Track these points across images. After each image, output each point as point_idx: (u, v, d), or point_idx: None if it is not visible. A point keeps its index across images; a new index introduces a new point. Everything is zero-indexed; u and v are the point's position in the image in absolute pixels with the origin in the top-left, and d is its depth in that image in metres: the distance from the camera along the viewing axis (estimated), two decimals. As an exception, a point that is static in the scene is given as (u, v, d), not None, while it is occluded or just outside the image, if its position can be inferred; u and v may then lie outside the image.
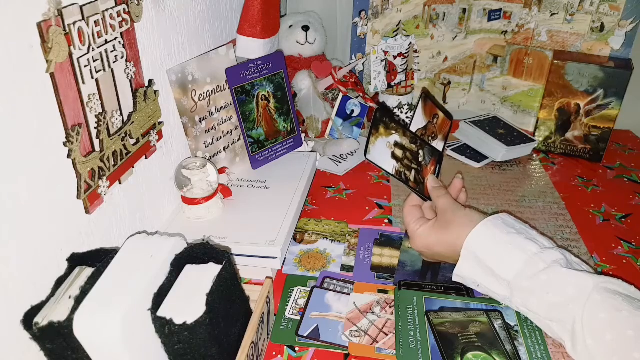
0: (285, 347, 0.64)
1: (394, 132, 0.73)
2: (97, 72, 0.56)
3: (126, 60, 0.62)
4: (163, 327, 0.48)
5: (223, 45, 0.87)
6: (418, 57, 1.21)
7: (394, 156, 0.73)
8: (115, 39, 0.59)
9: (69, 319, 0.46)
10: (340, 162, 1.06)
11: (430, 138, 0.79)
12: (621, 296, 0.56)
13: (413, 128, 0.78)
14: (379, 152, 0.72)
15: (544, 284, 0.59)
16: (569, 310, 0.57)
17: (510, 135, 1.11)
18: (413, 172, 0.73)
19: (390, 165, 0.73)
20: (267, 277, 0.65)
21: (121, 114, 0.62)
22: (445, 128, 0.81)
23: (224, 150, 0.90)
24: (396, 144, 0.73)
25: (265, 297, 0.60)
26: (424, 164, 0.74)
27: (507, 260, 0.62)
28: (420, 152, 0.73)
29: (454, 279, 0.68)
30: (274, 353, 0.64)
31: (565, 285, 0.58)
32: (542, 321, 0.62)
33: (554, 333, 0.61)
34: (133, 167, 0.66)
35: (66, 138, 0.52)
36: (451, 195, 0.72)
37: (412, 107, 1.18)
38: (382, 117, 0.72)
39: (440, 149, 0.77)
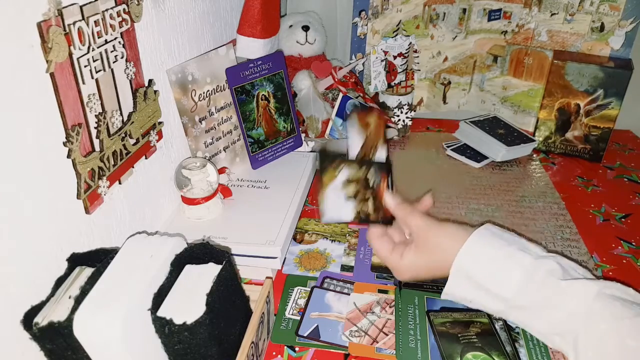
0: (285, 347, 0.64)
1: (340, 169, 0.64)
2: (97, 72, 0.56)
3: (126, 60, 0.62)
4: (163, 327, 0.48)
5: (223, 45, 0.87)
6: (418, 57, 1.21)
7: (347, 198, 0.65)
8: (115, 39, 0.59)
9: (69, 319, 0.46)
10: (340, 162, 1.05)
11: (372, 151, 0.68)
12: (620, 301, 0.54)
13: (353, 151, 0.67)
14: (333, 206, 0.65)
15: (541, 300, 0.57)
16: (569, 323, 0.55)
17: (510, 135, 1.11)
18: (369, 202, 0.65)
19: (349, 212, 0.65)
20: (267, 277, 0.65)
21: (121, 114, 0.62)
22: (381, 129, 0.68)
23: (224, 150, 0.90)
24: (346, 182, 0.65)
25: (265, 297, 0.60)
26: (375, 186, 0.65)
27: (501, 278, 0.59)
28: (368, 174, 0.65)
29: (443, 297, 0.63)
30: (274, 353, 0.64)
31: (563, 299, 0.55)
32: (542, 335, 0.59)
33: (555, 345, 0.59)
34: (133, 167, 0.66)
35: (66, 138, 0.52)
36: (418, 210, 0.65)
37: (412, 107, 1.18)
38: (323, 161, 0.64)
39: (384, 158, 0.67)
